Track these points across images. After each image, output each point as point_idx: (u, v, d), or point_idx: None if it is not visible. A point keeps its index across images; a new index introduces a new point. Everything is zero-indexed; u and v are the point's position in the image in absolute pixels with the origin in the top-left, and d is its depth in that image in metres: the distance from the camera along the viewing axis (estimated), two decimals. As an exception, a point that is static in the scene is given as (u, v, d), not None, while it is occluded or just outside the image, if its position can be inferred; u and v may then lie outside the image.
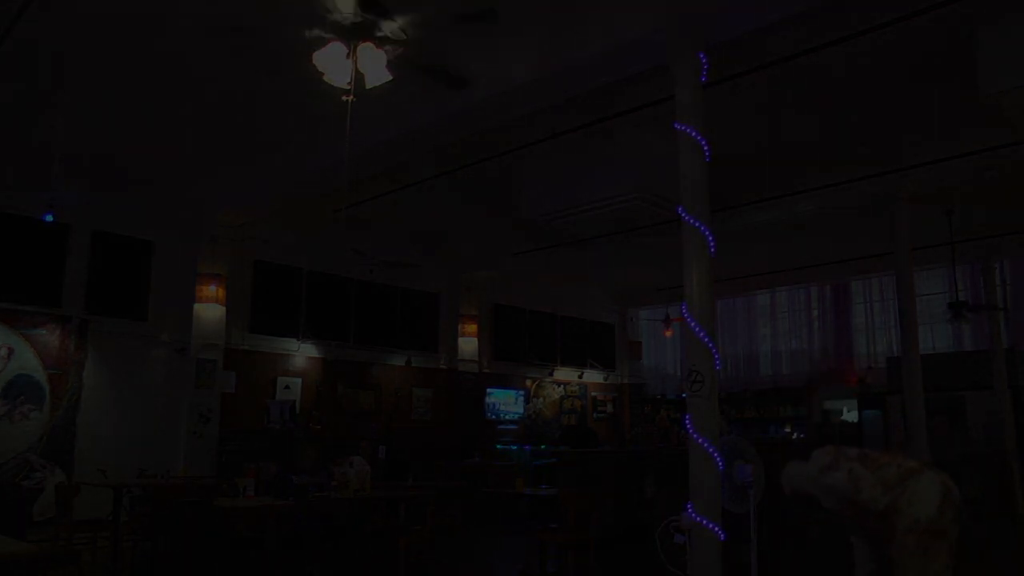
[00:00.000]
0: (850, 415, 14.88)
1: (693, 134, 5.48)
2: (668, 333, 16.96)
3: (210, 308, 10.88)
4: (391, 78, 5.58)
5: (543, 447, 14.27)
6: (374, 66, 5.50)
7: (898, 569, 3.17)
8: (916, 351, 9.45)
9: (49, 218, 9.09)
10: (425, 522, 7.26)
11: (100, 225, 10.47)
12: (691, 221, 5.43)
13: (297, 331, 12.42)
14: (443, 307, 14.75)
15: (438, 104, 7.17)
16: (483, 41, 6.22)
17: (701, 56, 5.59)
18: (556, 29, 6.15)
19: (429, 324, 14.55)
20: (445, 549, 8.28)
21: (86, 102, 7.67)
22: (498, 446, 14.70)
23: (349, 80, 5.50)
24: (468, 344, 14.81)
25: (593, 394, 17.50)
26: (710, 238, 5.41)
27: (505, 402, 15.45)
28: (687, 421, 5.31)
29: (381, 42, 5.56)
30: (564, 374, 16.85)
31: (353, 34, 5.47)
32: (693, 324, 5.35)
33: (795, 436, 14.29)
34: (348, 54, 5.44)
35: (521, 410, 15.69)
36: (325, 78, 5.47)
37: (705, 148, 5.48)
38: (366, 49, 5.48)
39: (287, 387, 12.20)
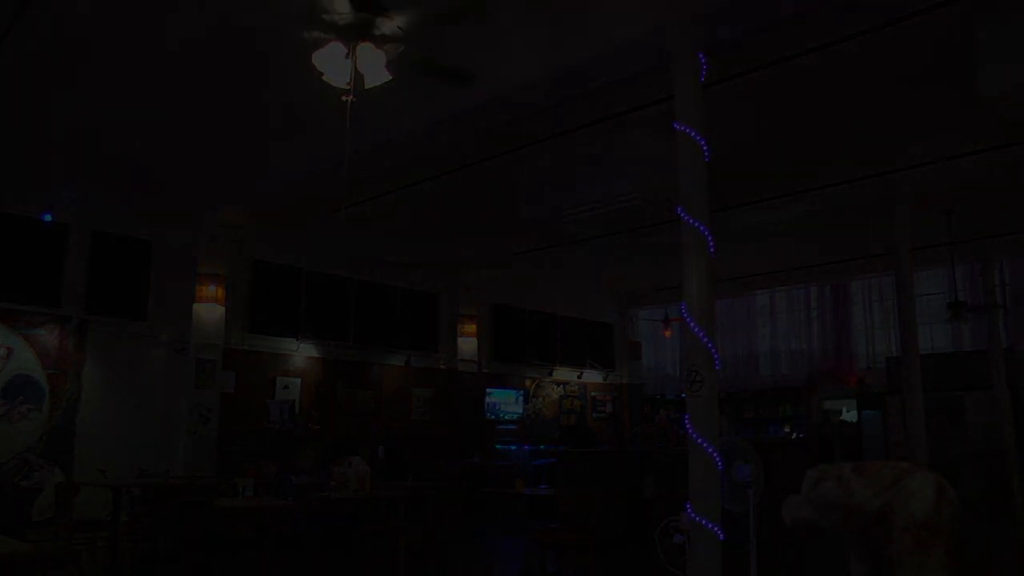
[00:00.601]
0: (849, 415, 14.88)
1: (693, 134, 5.47)
2: (668, 333, 16.97)
3: (210, 308, 10.88)
4: (391, 78, 5.57)
5: (543, 447, 14.26)
6: (373, 66, 5.50)
7: (897, 569, 3.17)
8: (915, 351, 9.45)
9: (48, 218, 9.10)
10: (425, 522, 7.26)
11: (100, 225, 10.47)
12: (691, 221, 5.42)
13: (297, 331, 12.42)
14: (442, 307, 14.75)
15: (438, 104, 7.16)
16: (482, 41, 6.22)
17: (701, 56, 5.59)
18: (555, 29, 6.14)
19: (429, 324, 14.55)
20: (445, 549, 8.27)
21: (86, 102, 7.66)
22: (498, 446, 14.70)
23: (348, 80, 5.50)
24: (467, 344, 14.80)
25: (593, 394, 17.50)
26: (710, 238, 5.41)
27: (505, 402, 15.45)
28: (686, 421, 5.31)
29: (379, 41, 5.56)
30: (563, 374, 16.85)
31: (351, 33, 5.46)
32: (692, 324, 5.35)
33: (795, 436, 14.29)
34: (347, 54, 5.43)
35: (521, 410, 15.69)
36: (324, 78, 5.46)
37: (705, 148, 5.48)
38: (365, 49, 5.47)
39: (286, 387, 12.20)
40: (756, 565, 5.09)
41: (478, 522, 10.82)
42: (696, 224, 5.42)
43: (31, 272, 9.88)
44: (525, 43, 6.36)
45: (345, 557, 8.05)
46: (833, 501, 3.33)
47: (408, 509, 8.40)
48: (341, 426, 12.38)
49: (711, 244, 5.42)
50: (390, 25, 5.41)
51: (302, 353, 12.50)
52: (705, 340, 5.32)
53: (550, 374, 16.57)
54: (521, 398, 15.77)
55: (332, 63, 5.39)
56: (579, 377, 17.18)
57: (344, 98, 5.63)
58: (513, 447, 14.82)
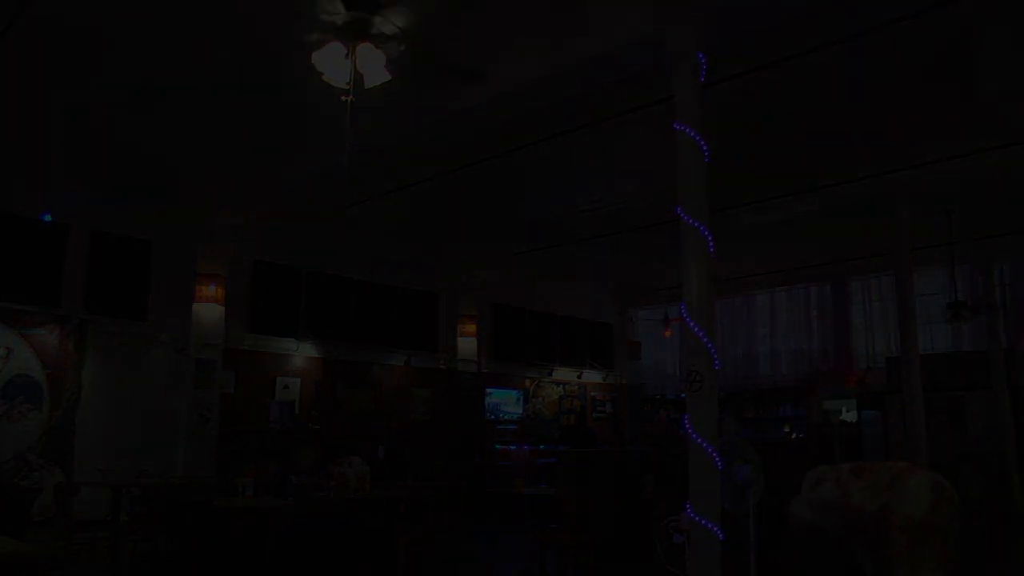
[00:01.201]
0: (849, 415, 14.88)
1: (693, 134, 5.47)
2: (668, 333, 16.97)
3: (209, 308, 10.87)
4: (390, 78, 5.58)
5: (543, 447, 14.26)
6: (373, 66, 5.50)
7: (896, 569, 3.18)
8: (915, 351, 9.46)
9: (48, 218, 9.09)
10: (425, 522, 7.26)
11: (99, 225, 10.46)
12: (690, 221, 5.42)
13: (297, 331, 12.41)
14: (442, 307, 14.74)
15: (438, 104, 7.16)
16: (481, 41, 6.22)
17: (701, 56, 5.59)
18: (555, 29, 6.14)
19: (428, 324, 14.54)
20: (445, 549, 8.27)
21: (85, 102, 7.66)
22: (497, 446, 14.69)
23: (348, 80, 5.50)
24: (467, 344, 14.80)
25: (592, 394, 17.49)
26: (710, 238, 5.41)
27: (505, 402, 15.44)
28: (686, 421, 5.31)
29: (378, 40, 5.56)
30: (563, 374, 16.85)
31: (350, 33, 5.46)
32: (692, 324, 5.35)
33: (795, 436, 14.29)
34: (347, 54, 5.44)
35: (520, 410, 15.69)
36: (324, 78, 5.47)
37: (705, 148, 5.48)
38: (365, 49, 5.48)
39: (287, 387, 12.19)
40: (756, 565, 5.09)
41: (478, 522, 10.81)
42: (696, 224, 5.42)
43: (31, 272, 9.87)
44: (524, 43, 6.36)
45: (345, 557, 8.04)
46: (832, 503, 3.34)
47: (408, 509, 8.39)
48: (341, 426, 12.37)
49: (711, 244, 5.42)
50: (387, 24, 5.41)
51: (302, 353, 12.49)
52: (705, 340, 5.31)
53: (550, 374, 16.57)
54: (521, 398, 15.76)
55: (332, 63, 5.40)
56: (579, 377, 17.17)
57: (344, 98, 5.63)
58: (513, 447, 14.82)
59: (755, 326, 16.96)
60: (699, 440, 5.20)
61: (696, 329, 5.34)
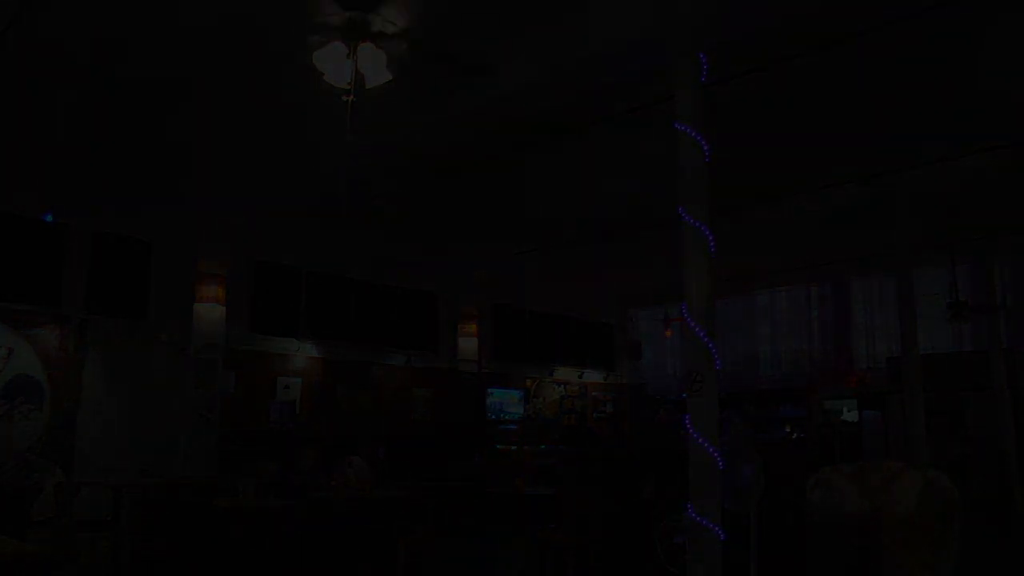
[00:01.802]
0: (850, 415, 14.88)
1: (693, 134, 5.47)
2: (668, 333, 16.96)
3: (210, 308, 10.87)
4: (391, 78, 5.58)
5: (543, 447, 14.26)
6: (374, 66, 5.51)
7: (885, 568, 3.18)
8: (916, 351, 9.45)
9: (48, 218, 9.09)
10: (425, 522, 7.27)
11: (100, 225, 10.46)
12: (691, 221, 5.43)
13: (297, 331, 12.41)
14: (443, 307, 14.74)
15: (437, 104, 7.16)
16: (481, 42, 6.22)
17: (701, 56, 5.59)
18: (555, 29, 6.14)
19: (429, 324, 14.54)
20: (445, 549, 8.27)
21: (85, 102, 7.66)
22: (498, 446, 14.69)
23: (349, 80, 5.50)
24: (468, 344, 14.80)
25: (593, 394, 17.50)
26: (710, 238, 5.41)
27: (505, 402, 15.44)
28: (687, 421, 5.31)
29: (379, 39, 5.56)
30: (564, 374, 16.85)
31: (350, 33, 5.46)
32: (693, 324, 5.35)
33: (795, 436, 14.29)
34: (348, 54, 5.44)
35: (521, 410, 15.68)
36: (325, 78, 5.47)
37: (705, 148, 5.48)
38: (366, 49, 5.48)
39: (287, 387, 12.19)
40: (756, 565, 5.09)
41: (478, 522, 10.81)
42: (696, 224, 5.43)
43: (31, 272, 9.87)
44: (524, 43, 6.36)
45: (345, 558, 8.04)
46: (829, 505, 3.35)
47: (408, 509, 8.40)
48: (341, 426, 12.37)
49: (711, 244, 5.42)
50: (387, 23, 5.41)
51: (302, 353, 12.49)
52: (705, 340, 5.32)
53: (550, 374, 16.57)
54: (522, 398, 15.76)
55: (333, 63, 5.40)
56: (579, 377, 17.17)
57: (345, 98, 5.64)
58: (513, 447, 14.81)
59: (755, 326, 16.96)
60: (699, 440, 5.20)
61: (696, 329, 5.34)
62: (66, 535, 7.00)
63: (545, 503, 8.47)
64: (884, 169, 9.04)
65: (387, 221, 11.21)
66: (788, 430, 15.15)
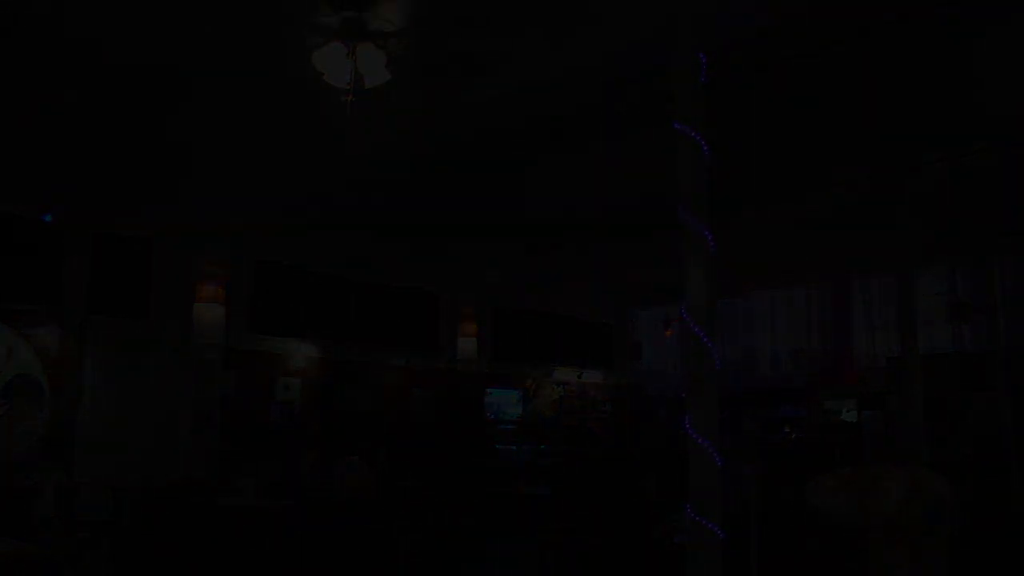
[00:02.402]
0: (850, 415, 14.87)
1: (693, 134, 5.47)
2: (668, 333, 16.95)
3: (210, 308, 10.88)
4: (390, 78, 5.58)
5: (543, 447, 14.26)
6: (373, 66, 5.51)
7: (872, 567, 3.20)
8: (915, 351, 9.44)
9: (48, 218, 9.09)
10: (425, 523, 7.27)
11: (100, 225, 10.46)
12: (691, 221, 5.42)
13: (297, 331, 12.41)
14: (443, 307, 14.74)
15: (438, 105, 7.16)
16: (481, 42, 6.22)
17: (701, 56, 5.58)
18: (554, 30, 6.14)
19: (428, 324, 14.54)
20: (445, 550, 8.27)
21: (85, 101, 7.66)
22: (498, 446, 14.69)
23: (349, 80, 5.50)
24: (468, 344, 14.79)
25: (593, 394, 17.49)
26: (710, 238, 5.41)
27: (505, 402, 15.43)
28: (687, 421, 5.30)
29: (378, 38, 5.56)
30: (564, 374, 16.84)
31: (348, 33, 5.46)
32: (693, 324, 5.34)
33: (795, 436, 14.28)
34: (348, 54, 5.44)
35: (520, 410, 15.68)
36: (325, 78, 5.47)
37: (705, 148, 5.48)
38: (365, 49, 5.48)
39: (287, 387, 12.19)
40: (756, 565, 5.09)
41: (478, 522, 10.80)
42: (696, 224, 5.42)
43: (31, 272, 9.87)
44: (523, 43, 6.36)
45: (346, 557, 8.04)
46: (826, 508, 3.37)
47: (408, 509, 8.40)
48: (341, 426, 12.37)
49: (711, 244, 5.41)
50: (384, 22, 5.41)
51: (303, 353, 12.49)
52: (705, 340, 5.31)
53: (550, 374, 16.57)
54: (520, 398, 15.76)
55: (332, 63, 5.40)
56: (579, 377, 17.16)
57: (344, 98, 5.64)
58: (513, 447, 14.82)
59: (755, 326, 16.94)
60: (699, 440, 5.19)
61: (696, 329, 5.33)
62: (66, 535, 7.01)
63: (545, 503, 8.47)
64: (884, 169, 9.04)
65: (387, 221, 11.21)
66: (787, 430, 15.14)
